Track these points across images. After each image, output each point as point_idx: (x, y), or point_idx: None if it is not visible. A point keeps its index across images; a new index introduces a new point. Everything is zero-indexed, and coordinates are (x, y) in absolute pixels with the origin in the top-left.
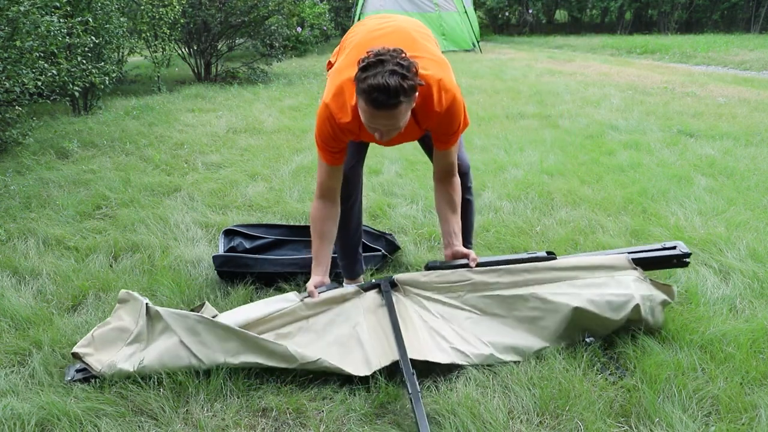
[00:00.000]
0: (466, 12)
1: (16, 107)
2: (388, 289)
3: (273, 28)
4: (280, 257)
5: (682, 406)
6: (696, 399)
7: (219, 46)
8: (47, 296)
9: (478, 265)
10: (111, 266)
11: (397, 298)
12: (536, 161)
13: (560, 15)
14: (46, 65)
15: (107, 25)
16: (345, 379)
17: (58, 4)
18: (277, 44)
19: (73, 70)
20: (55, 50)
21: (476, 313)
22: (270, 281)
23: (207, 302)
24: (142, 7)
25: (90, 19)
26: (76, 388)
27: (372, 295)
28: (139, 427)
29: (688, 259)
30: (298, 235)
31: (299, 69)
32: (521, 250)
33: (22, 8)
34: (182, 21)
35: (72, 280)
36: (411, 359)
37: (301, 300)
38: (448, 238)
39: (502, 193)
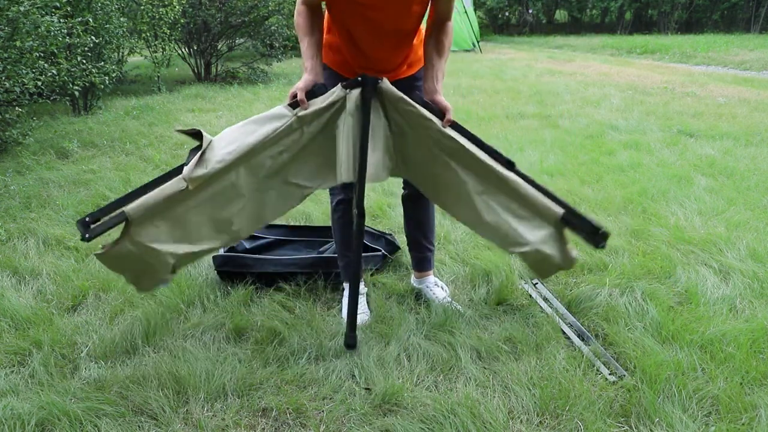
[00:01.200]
0: (466, 12)
1: (16, 108)
2: (371, 96)
3: (273, 28)
4: (280, 257)
5: (682, 406)
6: (696, 399)
7: (219, 46)
8: (47, 296)
9: (452, 126)
10: None
11: (374, 104)
12: (536, 161)
13: (560, 15)
14: (46, 65)
15: (107, 25)
16: (345, 379)
17: (58, 4)
18: (277, 44)
19: (73, 70)
20: (55, 50)
21: (430, 161)
22: (270, 281)
23: (204, 135)
24: (142, 7)
25: (90, 19)
26: (76, 388)
27: (355, 96)
28: (139, 427)
29: (603, 244)
30: (298, 235)
31: (299, 69)
32: None
33: (22, 8)
34: (182, 21)
35: (72, 280)
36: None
37: (295, 115)
38: (431, 83)
39: None
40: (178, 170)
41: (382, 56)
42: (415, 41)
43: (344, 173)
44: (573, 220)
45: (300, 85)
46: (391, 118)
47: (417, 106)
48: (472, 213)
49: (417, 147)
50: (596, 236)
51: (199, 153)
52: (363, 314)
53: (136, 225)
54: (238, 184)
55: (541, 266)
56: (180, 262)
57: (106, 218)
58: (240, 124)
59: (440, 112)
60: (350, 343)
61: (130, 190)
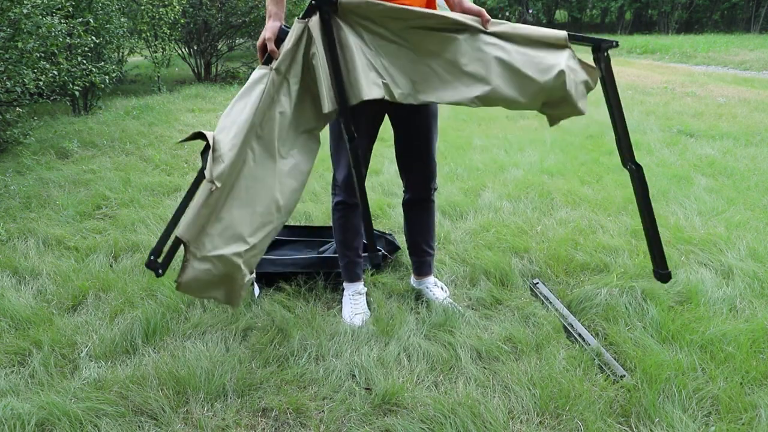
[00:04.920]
0: None
1: (17, 108)
2: (328, 16)
3: None
4: (280, 257)
5: (682, 406)
6: (696, 399)
7: (219, 46)
8: (47, 296)
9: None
10: (111, 266)
11: (337, 24)
12: (536, 161)
13: (560, 15)
14: (47, 65)
15: (108, 25)
16: (345, 379)
17: (60, 5)
18: None
19: (73, 70)
20: (56, 50)
21: (411, 51)
22: (270, 281)
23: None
24: (143, 7)
25: (91, 20)
26: (76, 388)
27: (316, 22)
28: (139, 427)
29: (616, 43)
30: (298, 235)
31: None
32: (521, 250)
33: (24, 10)
34: (182, 21)
35: (72, 280)
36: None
37: (272, 69)
38: None
39: (503, 193)
40: (200, 177)
41: None
42: None
43: (327, 104)
44: (576, 37)
45: (267, 34)
46: (365, 34)
47: (390, 4)
48: (509, 74)
49: (423, 47)
50: (603, 43)
51: (211, 151)
52: (363, 314)
53: (193, 243)
54: (259, 160)
55: (577, 88)
56: (249, 260)
57: (166, 248)
58: (229, 106)
59: (477, 19)
60: (377, 262)
61: (170, 217)
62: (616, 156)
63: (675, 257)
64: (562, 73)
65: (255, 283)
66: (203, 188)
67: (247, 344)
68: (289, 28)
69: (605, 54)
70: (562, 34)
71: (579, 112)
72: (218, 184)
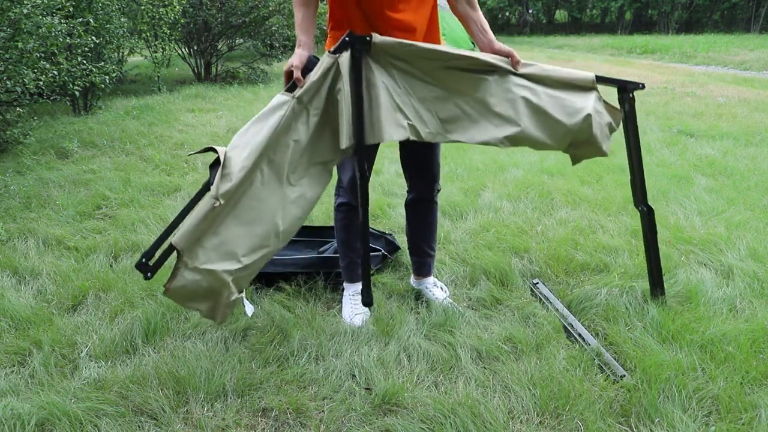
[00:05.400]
0: None
1: (17, 108)
2: (360, 54)
3: (273, 28)
4: (280, 257)
5: (682, 406)
6: (696, 399)
7: (219, 46)
8: (47, 296)
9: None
10: (111, 266)
11: (367, 63)
12: (536, 161)
13: (560, 15)
14: (47, 65)
15: (108, 25)
16: (345, 379)
17: (60, 5)
18: (277, 44)
19: (73, 70)
20: (56, 50)
21: (442, 91)
22: (270, 281)
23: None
24: (143, 7)
25: (91, 20)
26: (76, 388)
27: (347, 58)
28: (139, 427)
29: (642, 85)
30: (299, 235)
31: None
32: (521, 250)
33: (24, 10)
34: (182, 21)
35: (72, 280)
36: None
37: (293, 97)
38: (481, 38)
39: (503, 193)
40: (205, 188)
41: (399, 15)
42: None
43: (345, 139)
44: (603, 79)
45: (295, 62)
46: (395, 74)
47: (423, 44)
48: (538, 116)
49: (455, 88)
50: (629, 85)
51: (220, 168)
52: (363, 314)
53: (186, 253)
54: (267, 183)
55: (602, 130)
56: (239, 279)
57: (159, 253)
58: (245, 127)
59: (507, 60)
60: (367, 301)
61: (171, 221)
62: (617, 156)
63: (675, 257)
64: (588, 116)
65: (246, 301)
66: (206, 201)
67: (247, 344)
68: (318, 58)
69: (630, 95)
70: (590, 76)
71: (602, 153)
72: (222, 202)
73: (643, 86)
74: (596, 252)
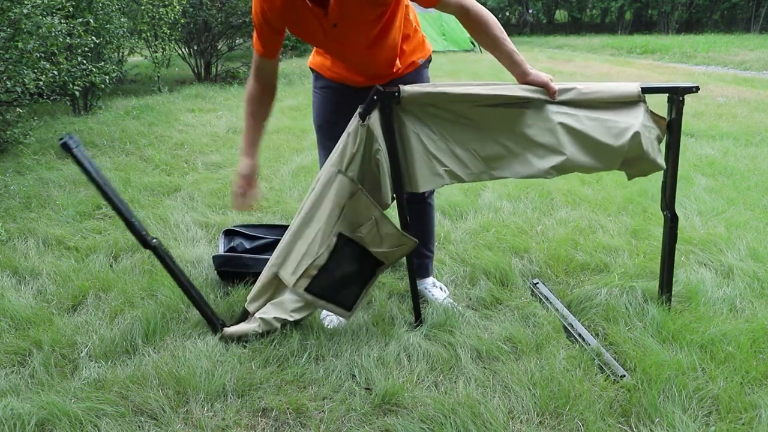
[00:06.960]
0: None
1: (17, 108)
2: (389, 110)
3: None
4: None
5: (682, 406)
6: (696, 399)
7: (219, 46)
8: (47, 296)
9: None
10: (111, 266)
11: (398, 116)
12: None
13: (560, 15)
14: (47, 65)
15: (108, 25)
16: (345, 379)
17: (60, 5)
18: None
19: (73, 70)
20: (56, 50)
21: (479, 130)
22: None
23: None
24: (143, 7)
25: (91, 20)
26: (76, 388)
27: (377, 118)
28: (139, 427)
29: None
30: None
31: (299, 69)
32: (521, 250)
33: (24, 10)
34: (182, 21)
35: (72, 280)
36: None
37: (339, 171)
38: (514, 70)
39: (502, 193)
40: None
41: (375, 65)
42: (404, 32)
43: (384, 197)
44: (650, 89)
45: (241, 171)
46: (429, 120)
47: (452, 89)
48: (582, 142)
49: (490, 127)
50: (680, 89)
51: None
52: (330, 315)
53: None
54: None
55: (653, 144)
56: (273, 323)
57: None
58: (292, 230)
59: (542, 90)
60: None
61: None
62: None
63: (675, 257)
64: (636, 134)
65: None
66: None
67: (247, 344)
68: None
69: (681, 98)
70: (635, 90)
71: (659, 168)
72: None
73: (698, 89)
74: (596, 252)
